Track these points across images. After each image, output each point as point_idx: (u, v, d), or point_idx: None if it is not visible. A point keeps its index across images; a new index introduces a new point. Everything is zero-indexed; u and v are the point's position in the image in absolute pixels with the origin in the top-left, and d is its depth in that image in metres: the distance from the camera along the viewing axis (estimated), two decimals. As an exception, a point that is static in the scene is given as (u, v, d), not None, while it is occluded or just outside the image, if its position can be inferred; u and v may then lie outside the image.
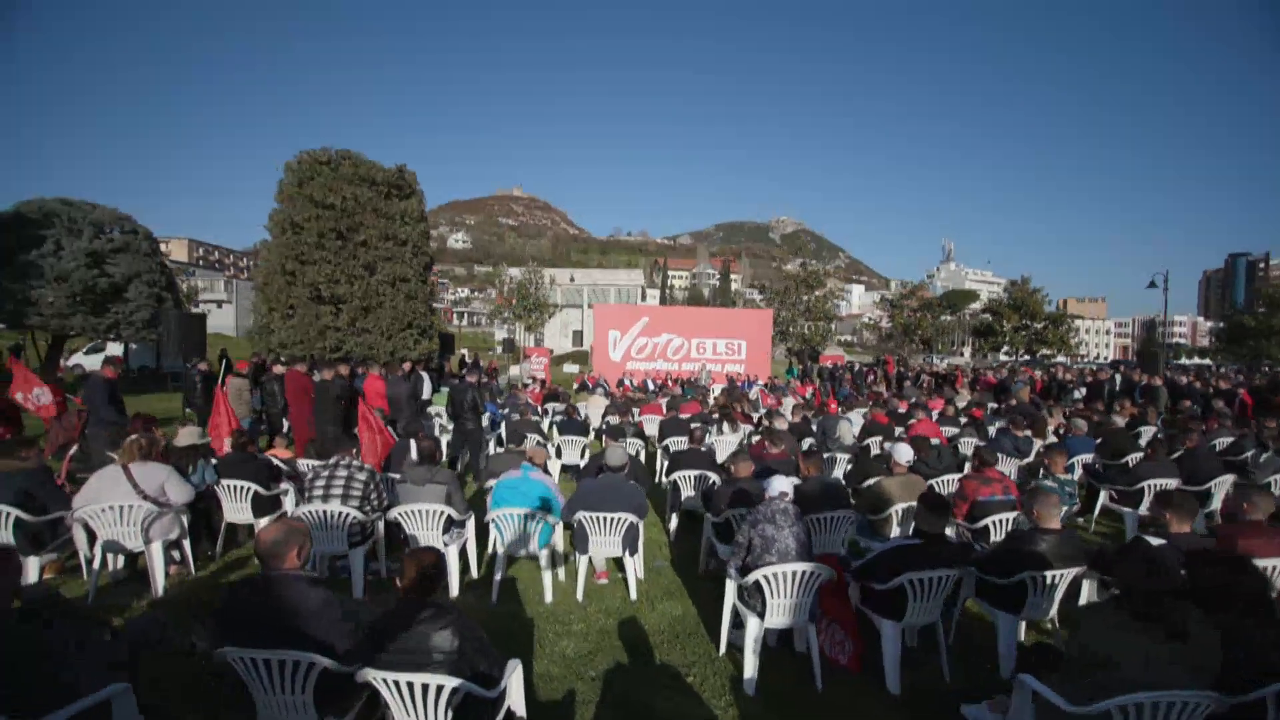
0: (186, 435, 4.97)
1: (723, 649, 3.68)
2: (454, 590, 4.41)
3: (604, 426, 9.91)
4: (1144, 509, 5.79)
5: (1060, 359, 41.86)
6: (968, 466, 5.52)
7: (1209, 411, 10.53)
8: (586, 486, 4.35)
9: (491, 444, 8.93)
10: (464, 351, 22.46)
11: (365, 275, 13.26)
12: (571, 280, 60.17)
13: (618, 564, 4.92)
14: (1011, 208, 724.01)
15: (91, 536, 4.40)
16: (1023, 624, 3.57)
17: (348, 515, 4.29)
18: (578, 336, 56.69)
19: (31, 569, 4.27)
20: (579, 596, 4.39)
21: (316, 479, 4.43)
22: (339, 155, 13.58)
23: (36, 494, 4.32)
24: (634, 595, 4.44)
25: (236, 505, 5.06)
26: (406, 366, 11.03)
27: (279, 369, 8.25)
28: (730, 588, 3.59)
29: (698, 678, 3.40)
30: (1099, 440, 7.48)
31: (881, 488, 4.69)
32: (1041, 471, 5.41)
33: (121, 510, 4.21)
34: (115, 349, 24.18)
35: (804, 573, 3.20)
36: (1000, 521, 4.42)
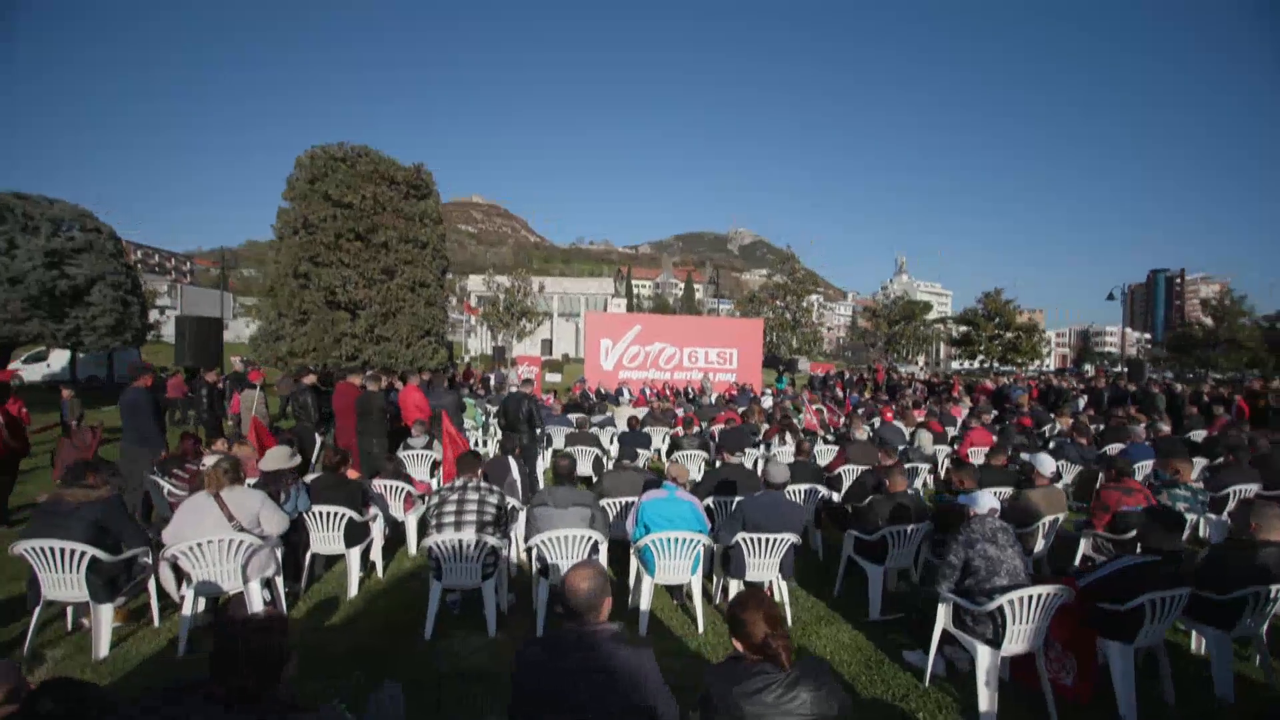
0: (274, 458, 4.37)
1: (927, 679, 3.43)
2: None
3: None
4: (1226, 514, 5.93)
5: (1007, 368, 43.30)
6: (1100, 476, 5.46)
7: (1211, 417, 11.16)
8: (748, 505, 4.04)
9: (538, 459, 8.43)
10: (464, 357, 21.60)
11: (385, 279, 12.30)
12: (541, 289, 59.39)
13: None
14: (952, 220, 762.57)
15: (179, 576, 3.79)
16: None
17: (485, 544, 3.85)
18: (546, 345, 55.78)
19: (105, 619, 3.64)
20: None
21: (444, 504, 3.95)
22: (355, 151, 12.57)
23: (111, 528, 3.70)
24: (790, 621, 4.15)
25: (326, 534, 4.49)
26: (425, 376, 10.42)
27: (309, 379, 7.53)
28: (942, 612, 3.35)
29: (926, 714, 3.15)
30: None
31: (1027, 500, 4.57)
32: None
33: (220, 545, 3.63)
34: (60, 358, 22.09)
35: (1047, 595, 3.01)
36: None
